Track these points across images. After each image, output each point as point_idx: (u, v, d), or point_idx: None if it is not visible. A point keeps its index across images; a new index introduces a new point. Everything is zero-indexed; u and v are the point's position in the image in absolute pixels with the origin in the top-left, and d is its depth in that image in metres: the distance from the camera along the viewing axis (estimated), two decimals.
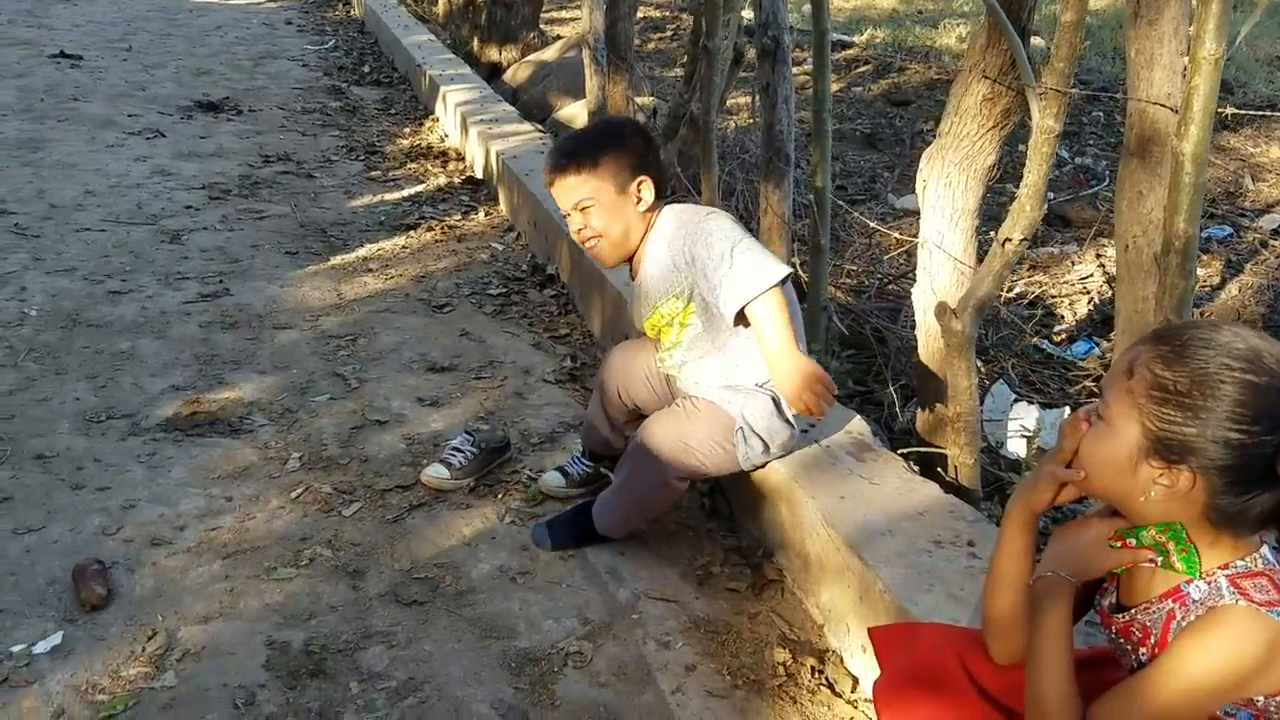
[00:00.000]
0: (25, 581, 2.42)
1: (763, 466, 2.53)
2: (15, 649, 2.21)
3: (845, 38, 8.34)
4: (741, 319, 2.33)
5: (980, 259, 2.54)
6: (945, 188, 2.67)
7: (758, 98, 3.60)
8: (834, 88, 6.99)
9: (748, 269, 2.28)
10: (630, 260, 2.53)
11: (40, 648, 2.22)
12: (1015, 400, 3.24)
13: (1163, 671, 1.31)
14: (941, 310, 2.45)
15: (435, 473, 2.81)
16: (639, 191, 2.43)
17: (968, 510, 2.34)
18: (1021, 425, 3.13)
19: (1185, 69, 1.87)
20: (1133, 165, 2.15)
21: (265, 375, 3.40)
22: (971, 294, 2.41)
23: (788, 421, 2.44)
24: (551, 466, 2.86)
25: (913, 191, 5.50)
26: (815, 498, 2.38)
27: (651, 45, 9.00)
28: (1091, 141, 5.83)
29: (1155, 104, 2.03)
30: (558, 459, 2.92)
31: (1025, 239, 2.30)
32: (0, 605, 2.33)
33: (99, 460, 2.90)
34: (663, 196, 2.49)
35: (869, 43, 8.30)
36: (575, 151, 2.44)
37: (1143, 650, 1.39)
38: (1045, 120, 2.18)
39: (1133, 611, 1.40)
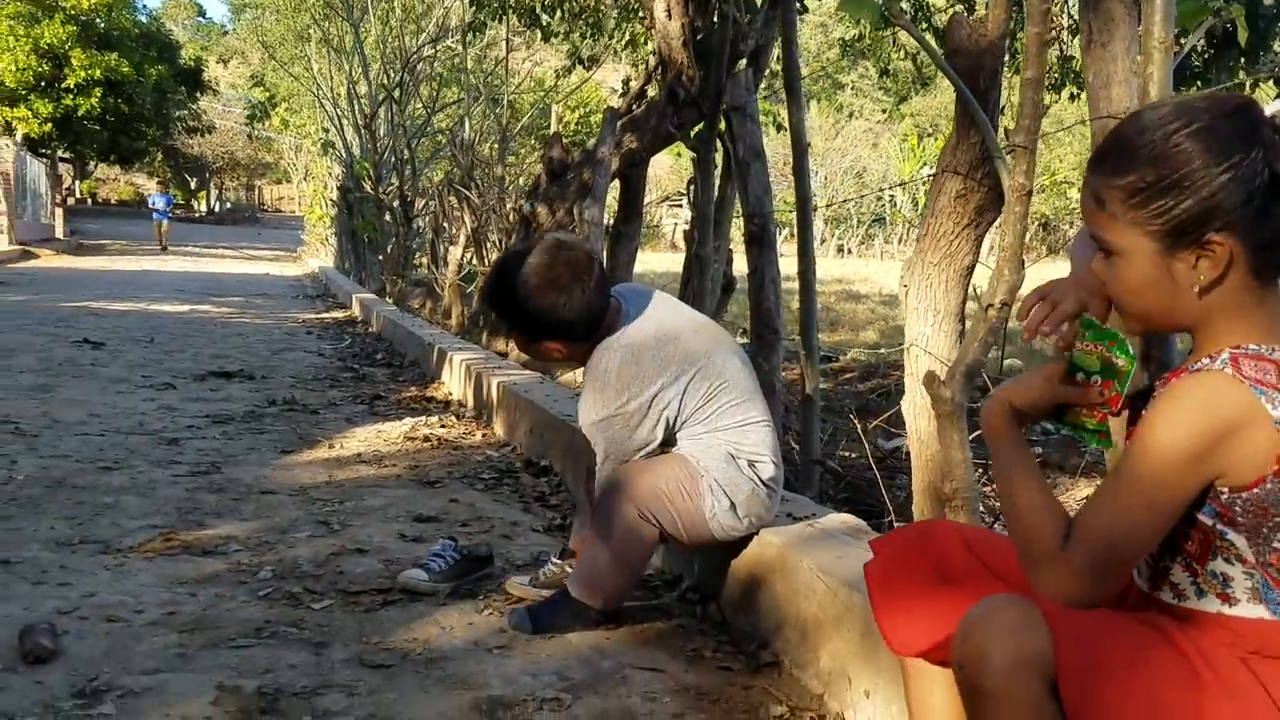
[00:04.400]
0: None
1: (738, 539, 2.46)
2: None
3: (830, 353, 8.89)
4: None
5: None
6: (926, 289, 2.75)
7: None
8: (824, 386, 7.28)
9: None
10: None
11: None
12: None
13: (1135, 444, 1.25)
14: (930, 379, 2.45)
15: (412, 575, 2.69)
16: (564, 349, 2.51)
17: None
18: None
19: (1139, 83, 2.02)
20: None
21: (246, 521, 3.31)
22: (960, 361, 2.42)
23: (750, 478, 2.39)
24: None
25: (898, 434, 5.59)
26: (810, 557, 2.28)
27: None
28: None
29: (1115, 117, 2.16)
30: None
31: (1007, 303, 2.36)
32: None
33: (65, 568, 2.78)
34: (599, 319, 2.47)
35: (852, 360, 8.80)
36: (516, 339, 2.58)
37: None
38: (1015, 178, 2.31)
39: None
